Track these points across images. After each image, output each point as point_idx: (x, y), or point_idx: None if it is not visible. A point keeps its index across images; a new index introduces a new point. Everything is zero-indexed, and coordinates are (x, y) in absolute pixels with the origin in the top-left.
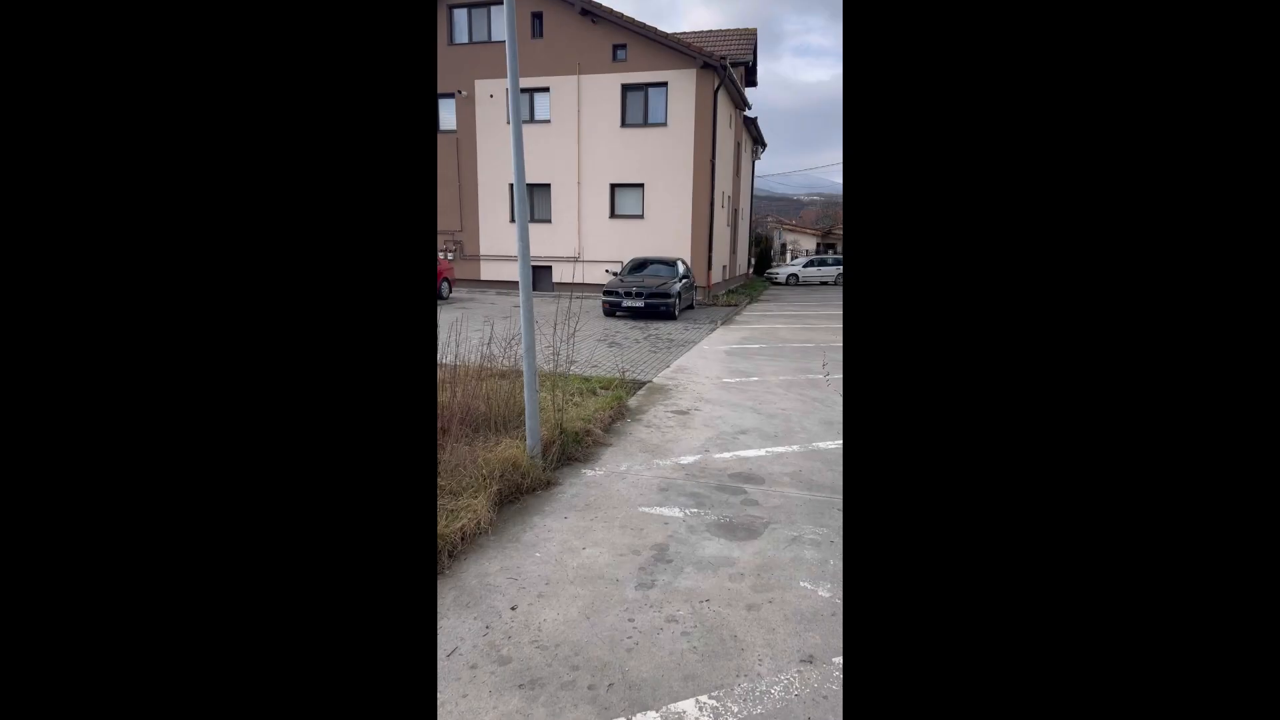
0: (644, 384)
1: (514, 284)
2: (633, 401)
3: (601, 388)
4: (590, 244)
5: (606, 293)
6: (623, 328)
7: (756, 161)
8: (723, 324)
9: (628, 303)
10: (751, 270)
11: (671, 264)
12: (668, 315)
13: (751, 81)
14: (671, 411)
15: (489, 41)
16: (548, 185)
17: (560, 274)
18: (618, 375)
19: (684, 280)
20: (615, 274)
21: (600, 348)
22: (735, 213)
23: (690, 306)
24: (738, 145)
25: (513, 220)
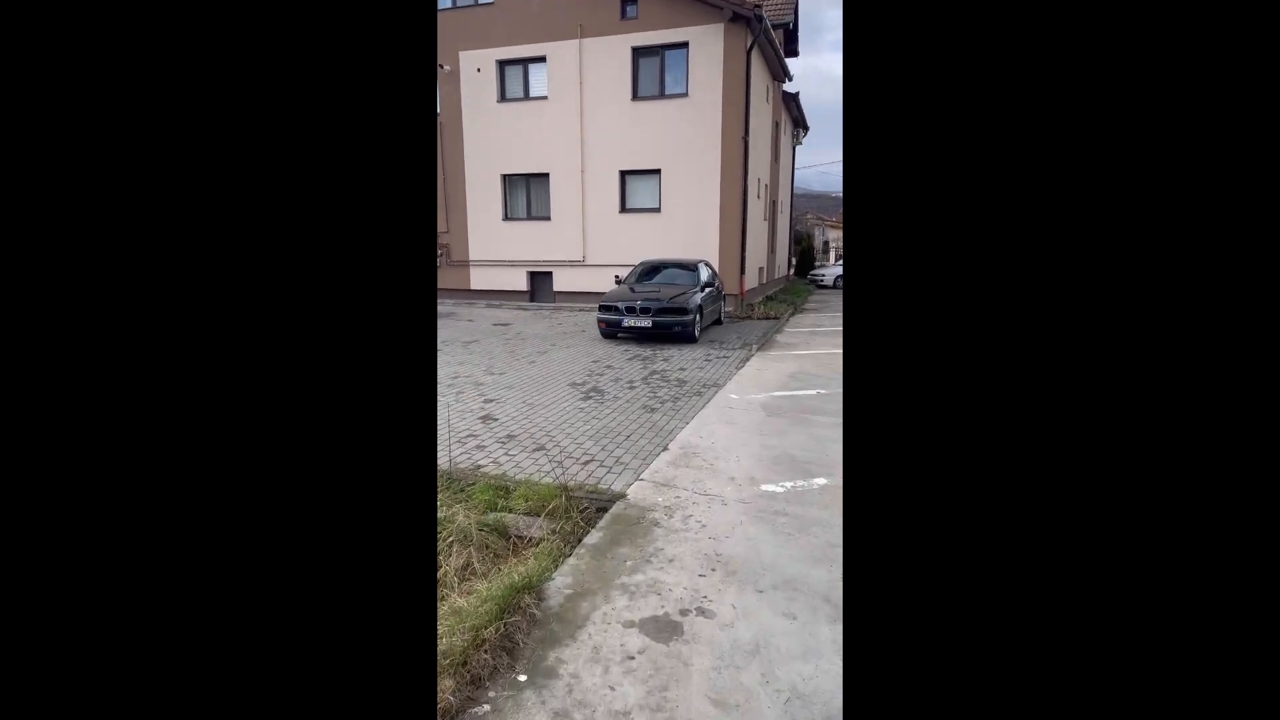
0: (609, 504)
1: (510, 294)
2: (558, 584)
3: (525, 512)
4: (597, 244)
5: (603, 308)
6: (618, 358)
7: (797, 147)
8: (760, 348)
9: (630, 322)
10: (792, 272)
11: (692, 268)
12: (685, 337)
13: (792, 50)
14: (639, 628)
15: (475, 4)
16: (545, 175)
17: (563, 281)
18: (573, 477)
19: (707, 289)
20: (621, 280)
21: (570, 402)
22: (774, 205)
23: (718, 321)
24: (776, 125)
25: (507, 218)
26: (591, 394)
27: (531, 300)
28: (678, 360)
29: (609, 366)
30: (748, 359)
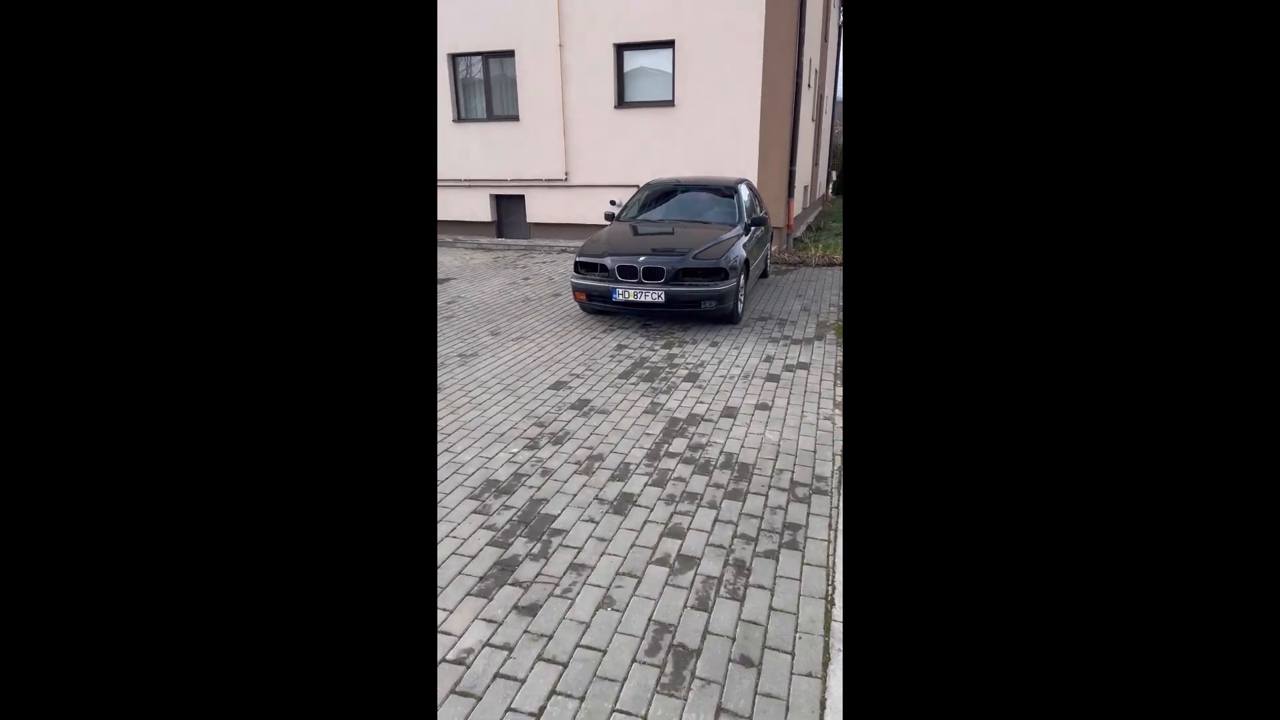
0: None
1: (472, 226)
2: None
3: None
4: (583, 156)
5: (582, 266)
6: (601, 374)
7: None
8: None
9: (628, 293)
10: (830, 191)
11: (727, 192)
12: (721, 317)
13: None
14: None
15: None
16: (510, 54)
17: (538, 207)
18: None
19: (753, 228)
20: (615, 214)
21: (445, 596)
22: (820, 101)
23: (763, 274)
24: None
25: (460, 118)
26: (513, 542)
27: (499, 235)
28: (712, 374)
29: (580, 404)
30: (838, 366)
